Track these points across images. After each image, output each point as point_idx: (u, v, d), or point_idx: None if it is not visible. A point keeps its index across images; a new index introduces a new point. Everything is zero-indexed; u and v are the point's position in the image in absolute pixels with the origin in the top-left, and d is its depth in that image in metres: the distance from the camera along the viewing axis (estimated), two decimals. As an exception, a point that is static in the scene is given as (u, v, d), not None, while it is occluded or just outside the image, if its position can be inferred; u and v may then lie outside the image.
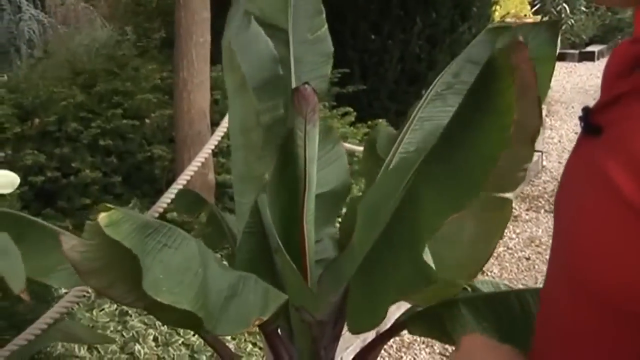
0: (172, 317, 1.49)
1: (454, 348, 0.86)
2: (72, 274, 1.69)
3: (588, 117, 0.70)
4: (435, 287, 1.67)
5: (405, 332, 3.66)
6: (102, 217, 1.33)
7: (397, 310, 3.47)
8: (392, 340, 3.62)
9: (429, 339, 3.58)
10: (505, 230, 5.08)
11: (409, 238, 1.39)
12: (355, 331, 1.72)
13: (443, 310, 1.71)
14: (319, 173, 1.99)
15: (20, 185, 3.45)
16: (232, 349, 2.62)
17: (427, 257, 1.37)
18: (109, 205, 1.37)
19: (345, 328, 3.00)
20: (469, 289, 1.82)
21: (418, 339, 3.61)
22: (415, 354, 3.48)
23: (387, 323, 2.52)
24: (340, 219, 2.18)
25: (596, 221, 0.62)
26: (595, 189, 0.63)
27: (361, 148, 4.27)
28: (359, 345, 3.21)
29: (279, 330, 1.94)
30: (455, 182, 1.30)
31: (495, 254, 4.57)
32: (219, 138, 3.15)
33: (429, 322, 1.75)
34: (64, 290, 2.88)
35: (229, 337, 2.93)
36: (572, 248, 0.65)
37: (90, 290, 2.99)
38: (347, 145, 4.16)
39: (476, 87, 1.27)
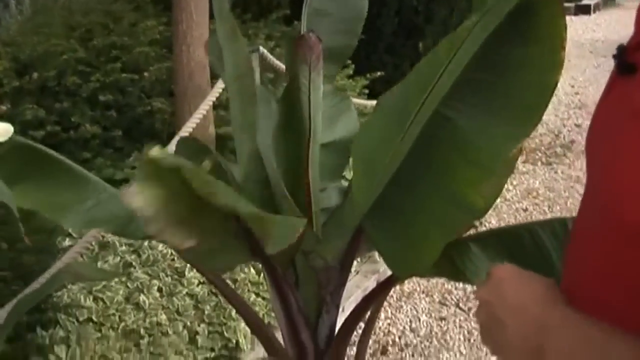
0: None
1: (475, 286, 0.83)
2: (84, 214, 1.72)
3: (622, 56, 0.70)
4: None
5: (404, 282, 3.72)
6: (155, 150, 1.32)
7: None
8: (392, 290, 3.66)
9: (429, 289, 3.63)
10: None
11: (449, 174, 1.40)
12: (403, 275, 1.74)
13: (451, 249, 1.72)
14: (327, 124, 2.01)
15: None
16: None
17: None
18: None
19: (351, 275, 3.04)
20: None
21: (418, 288, 3.66)
22: (415, 303, 3.53)
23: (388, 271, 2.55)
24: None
25: (633, 157, 0.64)
26: (631, 127, 0.64)
27: (361, 101, 4.27)
28: (360, 295, 3.26)
29: (285, 277, 1.96)
30: (510, 111, 1.32)
31: (492, 206, 4.60)
32: (220, 91, 3.14)
33: (438, 262, 1.76)
34: (67, 243, 2.91)
35: (227, 273, 2.97)
36: (608, 186, 0.67)
37: (93, 243, 3.03)
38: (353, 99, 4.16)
39: (515, 19, 1.29)
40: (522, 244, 1.64)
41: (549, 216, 4.47)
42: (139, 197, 1.34)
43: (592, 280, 0.71)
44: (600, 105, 0.73)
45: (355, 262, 3.57)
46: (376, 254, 3.66)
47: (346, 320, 2.00)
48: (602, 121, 0.72)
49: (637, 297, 0.65)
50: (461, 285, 3.69)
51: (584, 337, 0.67)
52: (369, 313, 2.12)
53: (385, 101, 1.75)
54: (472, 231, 1.91)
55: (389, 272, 2.18)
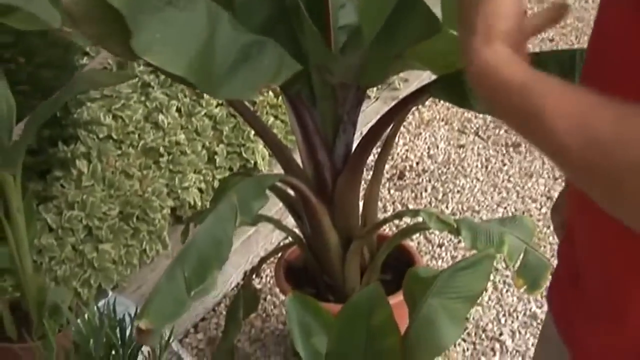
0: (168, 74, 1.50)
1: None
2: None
3: None
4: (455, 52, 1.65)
5: (424, 110, 3.70)
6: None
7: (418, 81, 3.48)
8: (410, 117, 3.66)
9: (448, 117, 3.62)
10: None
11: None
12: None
13: (464, 75, 1.70)
14: None
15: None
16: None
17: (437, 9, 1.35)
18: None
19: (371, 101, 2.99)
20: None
21: (437, 116, 3.65)
22: (434, 131, 3.53)
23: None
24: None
25: None
26: None
27: None
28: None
29: (302, 96, 1.95)
30: None
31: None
32: None
33: (450, 86, 1.74)
34: (85, 61, 2.89)
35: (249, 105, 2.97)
36: None
37: (111, 61, 3.01)
38: None
39: None
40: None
41: (575, 47, 4.36)
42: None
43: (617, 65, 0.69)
44: None
45: (374, 89, 3.55)
46: (396, 80, 3.62)
47: (362, 139, 2.00)
48: None
49: None
50: (482, 114, 3.67)
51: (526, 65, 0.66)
52: (386, 135, 2.12)
53: None
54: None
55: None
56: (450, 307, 1.50)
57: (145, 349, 1.48)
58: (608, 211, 0.56)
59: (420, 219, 2.02)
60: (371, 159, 2.47)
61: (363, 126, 3.07)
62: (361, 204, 2.17)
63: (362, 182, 2.20)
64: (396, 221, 2.79)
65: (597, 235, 0.72)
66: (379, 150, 2.16)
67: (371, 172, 2.20)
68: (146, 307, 1.27)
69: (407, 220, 2.77)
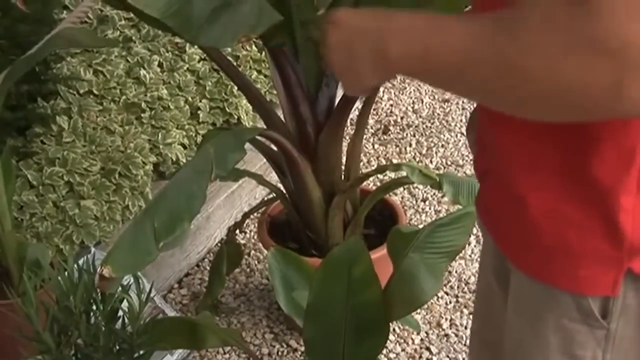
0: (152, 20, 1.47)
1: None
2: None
3: None
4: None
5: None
6: None
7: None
8: (396, 72, 3.63)
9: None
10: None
11: None
12: None
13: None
14: None
15: None
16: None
17: None
18: None
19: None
20: None
21: (422, 71, 3.62)
22: (419, 85, 3.51)
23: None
24: None
25: None
26: None
27: None
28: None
29: (284, 49, 1.92)
30: None
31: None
32: None
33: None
34: (64, 14, 2.84)
35: (229, 50, 2.94)
36: None
37: (91, 15, 2.96)
38: None
39: None
40: None
41: None
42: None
43: None
44: None
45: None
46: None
47: (345, 93, 1.98)
48: None
49: None
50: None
51: (422, 19, 0.69)
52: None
53: None
54: None
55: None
56: (431, 262, 1.50)
57: (125, 305, 1.47)
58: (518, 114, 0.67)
59: (403, 173, 2.01)
60: (356, 114, 2.45)
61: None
62: (344, 158, 2.16)
63: (345, 136, 2.19)
64: (380, 176, 2.79)
65: (501, 135, 0.82)
66: (361, 104, 2.14)
67: (354, 127, 2.18)
68: (109, 256, 1.26)
69: (391, 175, 2.77)
